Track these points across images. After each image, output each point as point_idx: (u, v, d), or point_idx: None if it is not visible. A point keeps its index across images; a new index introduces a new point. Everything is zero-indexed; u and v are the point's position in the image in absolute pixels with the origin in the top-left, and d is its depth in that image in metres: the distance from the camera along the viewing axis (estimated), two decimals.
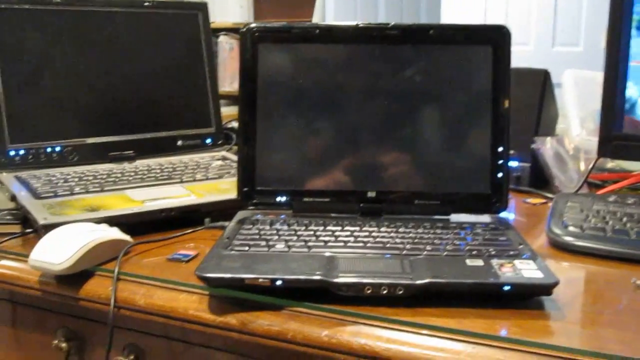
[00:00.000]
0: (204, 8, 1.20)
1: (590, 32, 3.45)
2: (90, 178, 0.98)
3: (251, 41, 0.84)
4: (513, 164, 1.11)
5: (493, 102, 0.83)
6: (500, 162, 0.83)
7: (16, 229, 0.86)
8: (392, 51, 0.85)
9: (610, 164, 1.18)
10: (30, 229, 0.85)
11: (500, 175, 0.83)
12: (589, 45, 3.47)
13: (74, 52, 1.07)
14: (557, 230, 0.83)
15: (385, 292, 0.63)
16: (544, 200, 1.06)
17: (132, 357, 0.76)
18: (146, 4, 1.14)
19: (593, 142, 1.08)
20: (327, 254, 0.70)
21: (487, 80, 0.83)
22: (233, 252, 0.71)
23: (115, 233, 0.78)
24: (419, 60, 0.85)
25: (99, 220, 0.81)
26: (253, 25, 0.85)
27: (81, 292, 0.73)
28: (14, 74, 1.02)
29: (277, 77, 0.86)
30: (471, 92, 0.84)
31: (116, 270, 0.72)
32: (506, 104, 0.83)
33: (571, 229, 0.83)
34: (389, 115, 0.85)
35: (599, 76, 1.26)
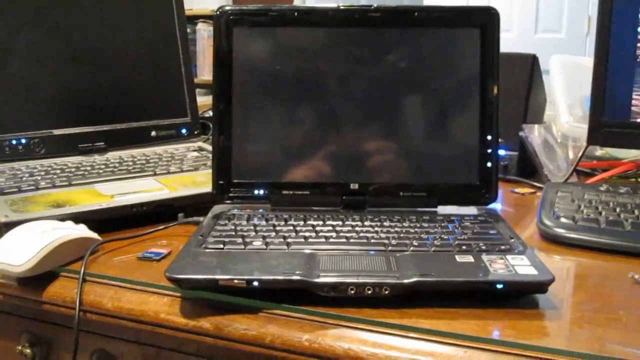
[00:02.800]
0: None
1: (572, 19, 3.44)
2: (58, 172, 0.93)
3: (226, 25, 0.80)
4: (501, 152, 1.07)
5: (481, 88, 0.80)
6: (489, 151, 0.79)
7: None
8: (375, 35, 0.81)
9: (600, 151, 1.15)
10: None
11: (489, 164, 0.79)
12: (572, 32, 3.46)
13: (41, 39, 1.01)
14: (549, 222, 0.80)
15: (370, 292, 0.59)
16: (532, 190, 1.02)
17: None
18: None
19: (581, 129, 1.05)
20: (307, 251, 0.66)
21: (474, 65, 0.79)
22: (207, 250, 0.66)
23: (82, 231, 0.74)
24: (403, 44, 0.81)
25: (64, 217, 0.76)
26: (228, 7, 0.80)
27: (45, 295, 0.68)
28: None
29: (253, 63, 0.81)
30: (458, 78, 0.80)
31: (82, 271, 0.67)
32: (495, 90, 0.79)
33: (563, 220, 0.79)
34: (372, 103, 0.81)
35: (586, 61, 1.23)
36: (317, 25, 0.81)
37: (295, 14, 0.81)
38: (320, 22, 0.81)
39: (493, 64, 0.79)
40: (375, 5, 0.80)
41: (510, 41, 3.16)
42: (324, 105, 0.81)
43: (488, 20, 0.79)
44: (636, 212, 0.79)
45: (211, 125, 1.15)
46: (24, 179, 0.89)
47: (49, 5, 1.02)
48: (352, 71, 0.81)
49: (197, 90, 1.28)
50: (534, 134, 1.07)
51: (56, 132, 1.02)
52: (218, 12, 0.80)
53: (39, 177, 0.90)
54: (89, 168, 0.95)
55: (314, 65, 0.81)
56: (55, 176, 0.91)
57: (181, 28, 1.15)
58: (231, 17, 0.80)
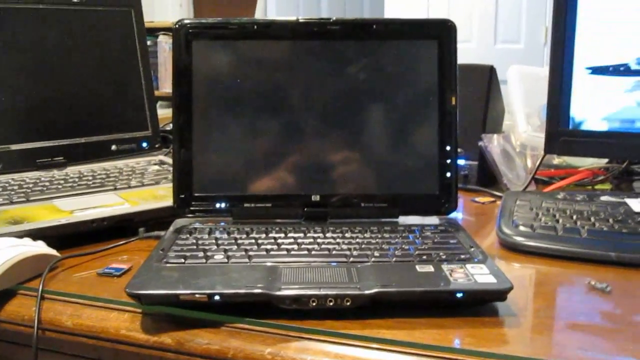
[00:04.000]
0: (136, 4, 1.14)
1: (530, 29, 3.50)
2: (15, 187, 0.91)
3: (185, 38, 0.80)
4: (460, 162, 1.09)
5: (440, 99, 0.81)
6: (449, 161, 0.80)
7: None
8: (335, 47, 0.81)
9: (557, 160, 1.17)
10: None
11: (448, 174, 0.80)
12: (530, 42, 3.52)
13: None
14: (508, 230, 0.81)
15: (332, 304, 0.59)
16: (492, 199, 1.04)
17: None
18: (75, 0, 1.08)
19: (539, 138, 1.07)
20: (269, 264, 0.66)
21: (433, 77, 0.80)
22: (168, 264, 0.66)
23: (40, 247, 0.72)
24: (362, 57, 0.81)
25: (22, 234, 0.75)
26: (187, 20, 0.80)
27: (2, 314, 0.66)
28: None
29: (213, 76, 0.81)
30: (417, 89, 0.81)
31: (40, 289, 0.66)
32: (453, 100, 0.80)
33: (522, 228, 0.80)
34: (333, 115, 0.81)
35: (543, 72, 1.25)
36: (277, 38, 0.81)
37: (255, 27, 0.81)
38: (280, 35, 0.81)
39: (451, 75, 0.80)
40: (335, 18, 0.81)
41: (470, 51, 3.21)
42: (285, 117, 0.81)
43: (445, 32, 0.80)
44: (592, 219, 0.81)
45: (171, 140, 1.15)
46: None
47: (6, 18, 1.01)
48: (313, 83, 0.81)
49: (159, 103, 1.28)
50: (493, 144, 1.08)
51: (14, 147, 1.00)
52: (177, 26, 0.80)
53: None
54: (47, 183, 0.94)
55: (274, 78, 0.82)
56: (12, 192, 0.89)
57: (141, 41, 1.14)
58: (190, 30, 0.80)
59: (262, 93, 0.81)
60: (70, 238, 0.79)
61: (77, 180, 0.96)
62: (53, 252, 0.73)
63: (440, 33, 0.80)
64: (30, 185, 0.92)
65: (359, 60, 0.81)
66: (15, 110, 1.01)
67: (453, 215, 0.82)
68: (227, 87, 0.81)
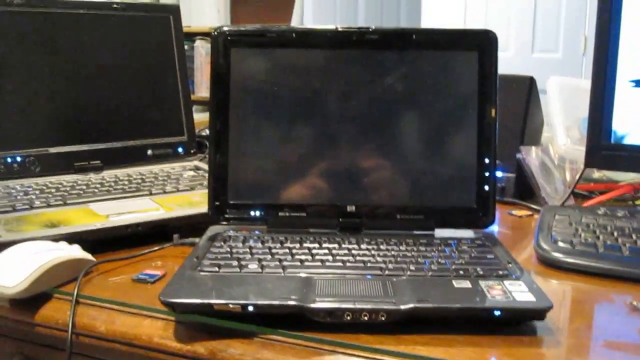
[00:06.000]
0: (175, 11, 1.15)
1: (569, 38, 3.45)
2: (53, 190, 0.92)
3: (223, 45, 0.80)
4: (498, 174, 1.07)
5: (479, 110, 0.79)
6: (487, 174, 0.79)
7: None
8: (373, 56, 0.81)
9: (597, 174, 1.15)
10: None
11: (486, 188, 0.79)
12: (568, 51, 3.47)
13: (37, 57, 1.01)
14: (546, 246, 0.79)
15: (366, 318, 0.58)
16: (530, 213, 1.02)
17: None
18: (114, 6, 1.09)
19: (579, 151, 1.05)
20: (303, 275, 0.65)
21: (472, 88, 0.79)
22: (202, 273, 0.66)
23: (76, 251, 0.73)
24: (401, 67, 0.80)
25: (58, 238, 0.75)
26: (225, 28, 0.80)
27: (37, 318, 0.67)
28: None
29: (250, 83, 0.81)
30: (456, 101, 0.80)
31: (75, 293, 0.67)
32: (493, 112, 0.79)
33: (561, 244, 0.79)
34: (370, 125, 0.80)
35: (583, 83, 1.23)
36: (315, 47, 0.81)
37: (293, 35, 0.81)
38: (318, 43, 0.81)
39: (491, 86, 0.79)
40: (374, 27, 0.80)
41: (507, 60, 3.17)
42: (321, 126, 0.81)
43: (486, 42, 0.79)
44: (634, 236, 0.79)
45: (207, 145, 1.15)
46: (18, 197, 0.88)
47: (47, 23, 1.02)
48: (350, 92, 0.81)
49: (194, 107, 1.28)
50: (531, 156, 1.07)
51: (52, 150, 1.01)
52: (216, 33, 0.80)
53: (33, 196, 0.89)
54: (84, 187, 0.94)
55: (311, 86, 0.81)
56: (50, 195, 0.90)
57: (179, 47, 1.15)
58: (229, 38, 0.80)
59: (299, 101, 0.81)
60: (104, 243, 0.79)
61: (113, 184, 0.97)
62: (88, 256, 0.74)
63: (481, 44, 0.79)
64: (68, 189, 0.93)
65: (397, 70, 0.80)
66: (54, 114, 1.03)
67: (489, 228, 0.80)
68: (264, 95, 0.81)
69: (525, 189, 1.07)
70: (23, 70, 1.00)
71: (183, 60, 1.16)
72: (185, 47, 1.26)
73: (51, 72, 1.02)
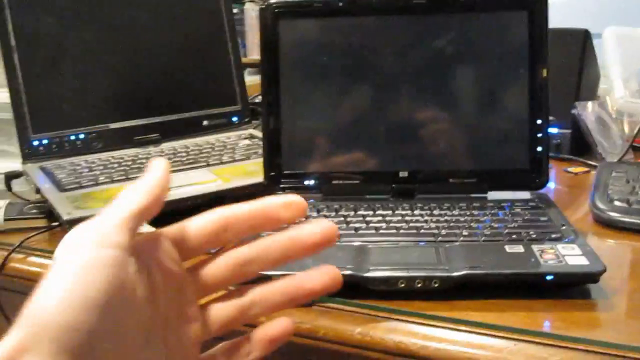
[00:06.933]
0: None
1: None
2: (115, 165, 0.96)
3: (271, 18, 0.81)
4: (553, 130, 1.06)
5: (530, 71, 0.79)
6: (540, 135, 0.79)
7: (42, 222, 0.85)
8: (421, 22, 0.80)
9: None
10: (57, 222, 0.83)
11: (539, 149, 0.79)
12: None
13: (92, 35, 1.04)
14: (602, 205, 0.79)
15: (419, 285, 0.59)
16: (586, 169, 1.01)
17: None
18: None
19: (637, 104, 1.02)
20: (357, 244, 0.67)
21: (523, 49, 0.78)
22: None
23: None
24: (449, 30, 0.80)
25: None
26: (272, 1, 0.81)
27: None
28: (33, 62, 0.99)
29: (300, 53, 0.82)
30: (506, 62, 0.79)
31: None
32: (544, 73, 0.78)
33: (617, 203, 0.78)
34: (420, 90, 0.81)
35: None
36: (362, 15, 0.81)
37: (340, 4, 0.81)
38: (364, 11, 0.81)
39: (542, 46, 0.78)
40: None
41: (560, 7, 3.07)
42: (370, 93, 0.82)
43: (535, 1, 0.78)
44: None
45: (260, 113, 1.17)
46: (83, 174, 0.92)
47: (99, 2, 1.04)
48: (399, 59, 0.81)
49: (247, 69, 1.28)
50: (587, 111, 1.05)
51: (112, 125, 1.05)
52: (264, 7, 0.81)
53: (97, 172, 0.93)
54: (144, 160, 0.98)
55: (360, 54, 0.82)
56: (113, 170, 0.94)
57: (228, 14, 1.16)
58: (276, 10, 0.80)
59: (348, 68, 0.82)
60: (165, 215, 0.82)
61: (171, 156, 1.00)
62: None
63: (530, 2, 0.78)
64: (129, 163, 0.97)
65: (446, 34, 0.80)
66: (112, 90, 1.06)
67: (543, 189, 0.80)
68: (313, 64, 0.82)
69: (581, 145, 1.06)
70: (80, 49, 1.03)
71: (233, 29, 1.17)
72: (235, 10, 1.27)
73: (106, 50, 1.05)
